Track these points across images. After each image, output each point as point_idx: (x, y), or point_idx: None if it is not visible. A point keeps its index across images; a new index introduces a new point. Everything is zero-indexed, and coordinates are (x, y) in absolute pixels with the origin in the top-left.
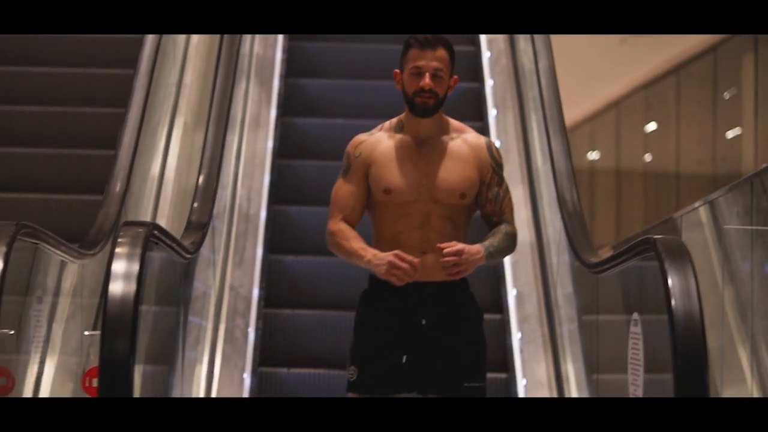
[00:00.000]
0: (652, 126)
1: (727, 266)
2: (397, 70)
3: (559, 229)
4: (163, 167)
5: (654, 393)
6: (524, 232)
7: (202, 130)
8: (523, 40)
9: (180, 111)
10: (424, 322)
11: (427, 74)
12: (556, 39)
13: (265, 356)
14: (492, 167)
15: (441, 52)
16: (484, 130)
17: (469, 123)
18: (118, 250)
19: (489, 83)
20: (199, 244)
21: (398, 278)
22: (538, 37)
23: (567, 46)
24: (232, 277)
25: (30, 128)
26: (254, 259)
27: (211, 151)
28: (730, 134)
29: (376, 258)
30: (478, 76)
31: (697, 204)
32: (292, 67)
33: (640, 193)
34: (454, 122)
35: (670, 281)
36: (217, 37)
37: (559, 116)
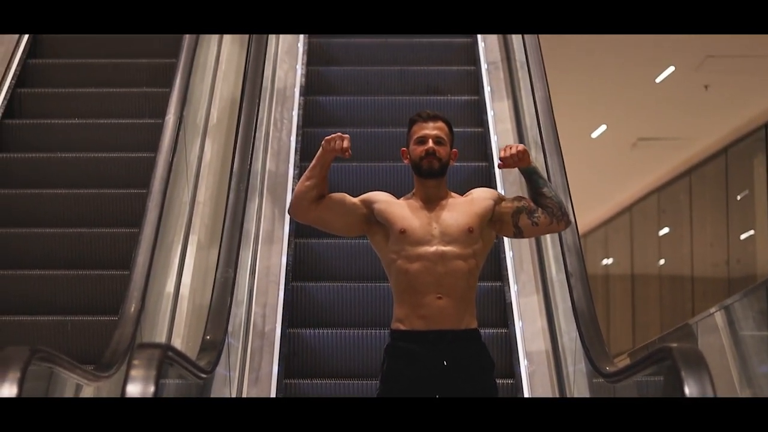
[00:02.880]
0: (665, 230)
1: (744, 371)
2: (404, 148)
3: (574, 338)
4: (178, 285)
5: None
6: (540, 342)
7: (215, 247)
8: (534, 150)
9: (194, 228)
10: (445, 363)
11: (431, 140)
12: (567, 144)
13: None
14: (501, 196)
15: (440, 124)
16: (498, 244)
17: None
18: (132, 373)
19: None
20: (214, 364)
21: (331, 145)
22: (549, 148)
23: (578, 152)
24: (248, 394)
25: (45, 250)
26: (270, 377)
27: (225, 268)
28: (744, 236)
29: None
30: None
31: (712, 310)
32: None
33: (655, 298)
34: (458, 194)
35: (687, 391)
36: (230, 154)
37: (572, 225)
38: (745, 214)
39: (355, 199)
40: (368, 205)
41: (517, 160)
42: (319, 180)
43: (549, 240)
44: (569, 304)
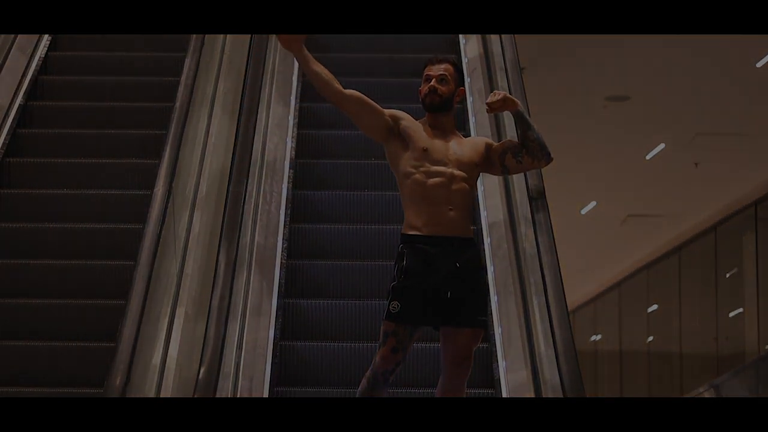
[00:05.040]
0: (654, 306)
1: None
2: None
3: None
4: (164, 358)
5: None
6: None
7: (203, 319)
8: (524, 224)
9: (181, 301)
10: (457, 265)
11: (434, 78)
12: (557, 220)
13: None
14: (490, 142)
15: (445, 65)
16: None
17: None
18: None
19: (490, 269)
20: None
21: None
22: (539, 221)
23: (568, 228)
24: None
25: (30, 321)
26: None
27: (213, 341)
28: (733, 313)
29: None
30: None
31: (702, 389)
32: (294, 251)
33: (643, 375)
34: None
35: None
36: (218, 227)
37: (561, 300)
38: (734, 292)
39: (384, 110)
40: (395, 119)
41: (502, 104)
42: (313, 74)
43: (538, 315)
44: (557, 380)
